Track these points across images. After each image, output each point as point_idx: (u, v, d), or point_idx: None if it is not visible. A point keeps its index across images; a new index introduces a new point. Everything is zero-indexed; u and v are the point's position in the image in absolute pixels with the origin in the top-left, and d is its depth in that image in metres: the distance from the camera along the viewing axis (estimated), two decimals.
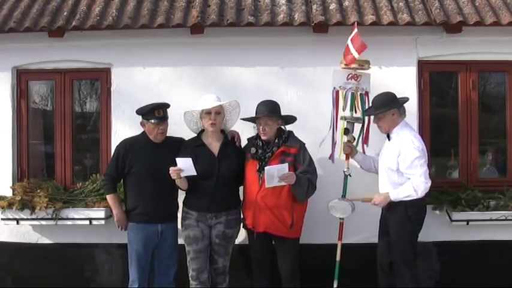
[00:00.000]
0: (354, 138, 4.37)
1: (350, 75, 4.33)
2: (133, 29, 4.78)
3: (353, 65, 4.27)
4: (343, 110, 4.36)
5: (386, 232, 4.19)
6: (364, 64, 4.33)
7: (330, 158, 4.42)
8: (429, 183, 4.02)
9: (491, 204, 4.75)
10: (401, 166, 4.04)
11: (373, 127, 4.37)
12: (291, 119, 4.28)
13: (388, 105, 4.13)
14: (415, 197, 4.00)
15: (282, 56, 4.96)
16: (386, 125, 4.17)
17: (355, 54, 4.15)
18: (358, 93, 4.35)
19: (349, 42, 4.22)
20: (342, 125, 4.38)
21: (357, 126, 4.41)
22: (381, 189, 4.25)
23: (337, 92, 4.37)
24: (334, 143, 4.39)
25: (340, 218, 4.34)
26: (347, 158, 4.36)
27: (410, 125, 4.27)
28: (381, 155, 4.30)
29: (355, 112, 4.37)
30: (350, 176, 4.34)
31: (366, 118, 4.37)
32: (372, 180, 4.35)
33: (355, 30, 4.22)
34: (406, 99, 4.34)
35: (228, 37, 4.92)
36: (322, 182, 4.33)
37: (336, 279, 4.38)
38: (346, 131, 4.33)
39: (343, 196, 4.34)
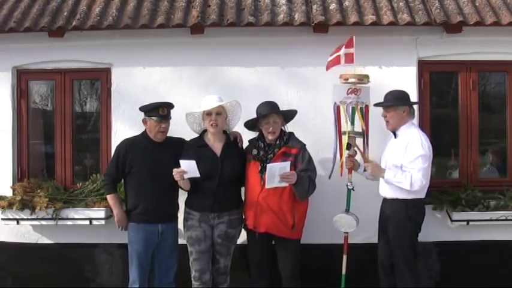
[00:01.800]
0: (356, 153, 4.33)
1: (350, 90, 4.28)
2: (133, 29, 4.78)
3: (352, 80, 4.27)
4: (351, 124, 4.31)
5: (386, 231, 4.19)
6: (364, 78, 4.30)
7: (341, 173, 4.34)
8: (426, 184, 4.01)
9: (492, 204, 4.76)
10: (404, 160, 4.02)
11: (374, 137, 4.33)
12: (291, 115, 4.29)
13: (400, 101, 4.13)
14: (405, 188, 3.97)
15: (282, 56, 4.96)
16: (394, 121, 4.16)
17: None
18: (359, 107, 4.32)
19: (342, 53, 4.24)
20: (344, 139, 4.32)
21: (358, 141, 4.35)
22: (381, 188, 4.24)
23: (338, 107, 4.35)
24: (334, 160, 4.33)
25: (344, 232, 4.34)
26: (350, 172, 4.31)
27: (417, 127, 4.25)
28: (384, 154, 4.29)
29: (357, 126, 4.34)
30: (353, 190, 4.30)
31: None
32: (375, 194, 4.33)
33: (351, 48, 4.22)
34: (416, 102, 4.33)
35: (228, 37, 4.92)
36: (323, 184, 4.33)
37: None
38: (348, 146, 4.28)
39: (347, 210, 4.31)
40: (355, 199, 4.32)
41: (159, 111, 4.19)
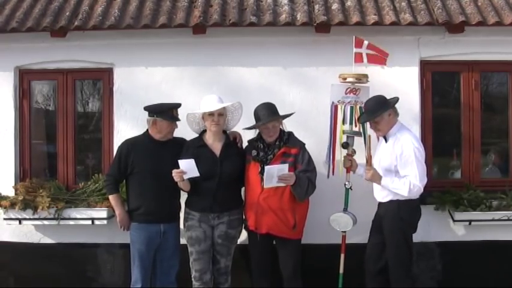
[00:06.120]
0: (355, 152, 4.34)
1: (348, 89, 4.36)
2: (135, 29, 4.78)
3: (350, 79, 4.31)
4: (343, 123, 4.38)
5: (379, 231, 4.18)
6: (362, 78, 4.35)
7: (332, 172, 4.45)
8: (422, 187, 3.97)
9: (494, 205, 4.75)
10: (400, 165, 4.00)
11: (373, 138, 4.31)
12: (288, 115, 4.29)
13: (383, 107, 4.08)
14: (403, 195, 3.94)
15: (284, 56, 4.95)
16: (385, 127, 4.12)
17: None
18: (358, 107, 4.36)
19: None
20: (341, 139, 4.40)
21: (357, 140, 4.39)
22: (375, 191, 4.23)
23: (336, 107, 4.40)
24: (333, 157, 4.41)
25: (342, 231, 4.35)
26: (348, 171, 4.34)
27: (407, 127, 4.23)
28: (375, 158, 4.24)
29: (355, 126, 4.38)
30: (351, 189, 4.33)
31: (367, 132, 4.35)
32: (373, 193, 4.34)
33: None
34: (396, 99, 4.23)
35: (230, 37, 4.92)
36: (324, 184, 4.33)
37: None
38: (345, 145, 4.32)
39: (345, 209, 4.33)
40: (356, 199, 4.33)
41: (173, 112, 4.19)
